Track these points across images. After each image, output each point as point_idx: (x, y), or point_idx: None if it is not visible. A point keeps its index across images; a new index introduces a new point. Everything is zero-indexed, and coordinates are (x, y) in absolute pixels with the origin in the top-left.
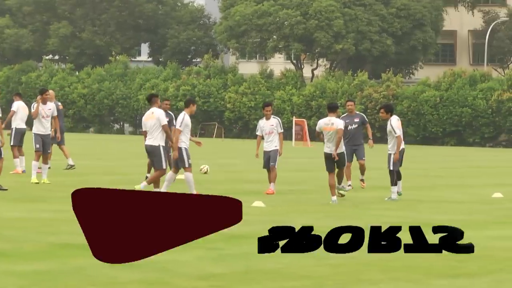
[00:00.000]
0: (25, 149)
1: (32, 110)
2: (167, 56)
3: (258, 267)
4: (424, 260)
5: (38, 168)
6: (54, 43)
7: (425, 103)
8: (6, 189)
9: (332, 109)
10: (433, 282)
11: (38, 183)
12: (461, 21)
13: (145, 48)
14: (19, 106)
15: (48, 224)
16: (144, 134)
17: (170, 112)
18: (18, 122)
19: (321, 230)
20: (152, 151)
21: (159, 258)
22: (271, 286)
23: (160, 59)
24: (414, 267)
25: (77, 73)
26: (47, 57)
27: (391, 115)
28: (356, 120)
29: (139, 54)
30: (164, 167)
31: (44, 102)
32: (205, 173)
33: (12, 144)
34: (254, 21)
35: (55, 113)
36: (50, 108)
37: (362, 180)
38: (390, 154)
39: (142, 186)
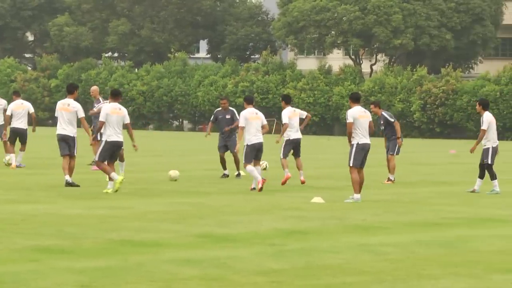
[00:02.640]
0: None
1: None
2: (226, 52)
3: (318, 262)
4: (484, 255)
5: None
6: (113, 40)
7: (485, 97)
8: (78, 186)
9: (357, 99)
10: (494, 277)
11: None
12: None
13: (203, 44)
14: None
15: (108, 220)
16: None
17: (231, 108)
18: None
19: (380, 225)
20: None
21: (218, 254)
22: (331, 281)
23: (218, 56)
24: (474, 262)
25: (136, 70)
26: (106, 55)
27: (484, 110)
28: (381, 122)
29: (198, 51)
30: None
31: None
32: (264, 169)
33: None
34: (312, 16)
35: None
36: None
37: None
38: (487, 148)
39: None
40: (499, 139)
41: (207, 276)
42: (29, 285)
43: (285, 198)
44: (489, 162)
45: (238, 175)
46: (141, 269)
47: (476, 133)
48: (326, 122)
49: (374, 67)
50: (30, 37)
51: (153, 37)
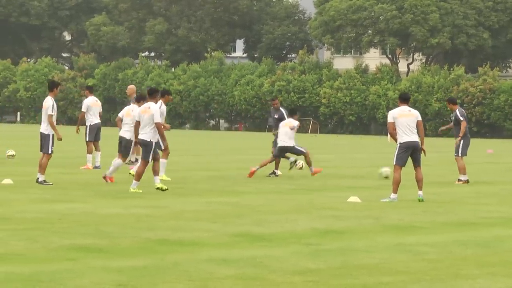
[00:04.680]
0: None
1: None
2: (262, 52)
3: (355, 262)
4: None
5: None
6: (150, 40)
7: None
8: (51, 184)
9: (406, 99)
10: None
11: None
12: None
13: (240, 44)
14: (90, 101)
15: (145, 220)
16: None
17: (282, 109)
18: (92, 117)
19: (417, 225)
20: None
21: (255, 253)
22: (368, 281)
23: (255, 55)
24: (511, 262)
25: (173, 69)
26: (143, 54)
27: None
28: (452, 117)
29: (234, 50)
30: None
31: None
32: (300, 168)
33: (87, 139)
34: (349, 16)
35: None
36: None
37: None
38: None
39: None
40: None
41: (243, 275)
42: (66, 284)
43: (321, 197)
44: None
45: (273, 173)
46: (178, 268)
47: None
48: (363, 121)
49: (411, 66)
50: (67, 36)
51: (190, 36)
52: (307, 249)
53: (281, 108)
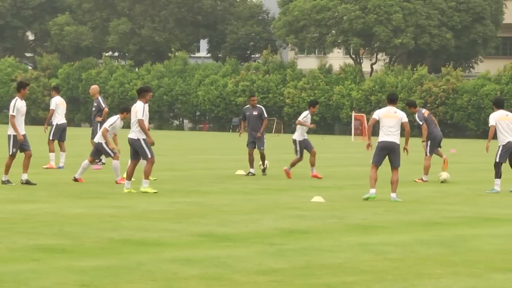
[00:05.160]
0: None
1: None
2: (226, 52)
3: (318, 262)
4: (484, 254)
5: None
6: (114, 40)
7: (485, 97)
8: (35, 184)
9: (393, 100)
10: (495, 277)
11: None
12: None
13: (204, 44)
14: (58, 101)
15: (109, 220)
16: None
17: (259, 106)
18: (59, 117)
19: (381, 225)
20: (133, 144)
21: (219, 253)
22: (332, 281)
23: (219, 55)
24: (474, 261)
25: (136, 69)
26: (106, 54)
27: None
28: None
29: (198, 50)
30: (149, 156)
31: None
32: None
33: (51, 138)
34: (312, 16)
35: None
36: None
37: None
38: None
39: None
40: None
41: (207, 275)
42: (30, 284)
43: (285, 197)
44: (496, 160)
45: (264, 171)
46: (142, 268)
47: (476, 132)
48: (327, 121)
49: (374, 66)
50: (30, 36)
51: (154, 36)
52: (271, 249)
53: (258, 105)
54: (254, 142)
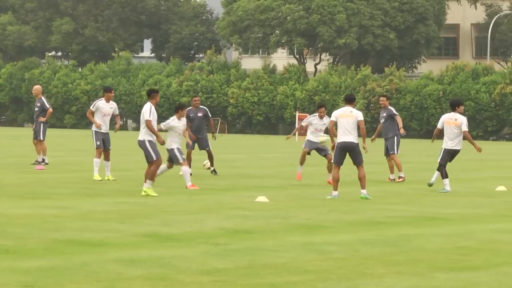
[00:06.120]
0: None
1: (91, 108)
2: (170, 51)
3: (263, 261)
4: (427, 253)
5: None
6: (57, 39)
7: (428, 97)
8: None
9: (350, 100)
10: (438, 276)
11: (101, 180)
12: (463, 15)
13: (147, 44)
14: None
15: (52, 220)
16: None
17: (203, 106)
18: None
19: (324, 224)
20: (140, 145)
21: (163, 253)
22: (275, 280)
23: (163, 55)
24: (417, 260)
25: (80, 69)
26: (50, 54)
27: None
28: (384, 114)
29: (142, 50)
30: (154, 158)
31: (107, 100)
32: (208, 168)
33: None
34: (256, 16)
35: (117, 112)
36: (111, 106)
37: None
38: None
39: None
40: (442, 138)
41: (151, 275)
42: None
43: (229, 197)
44: (439, 161)
45: (214, 171)
46: (86, 269)
47: (419, 132)
48: (271, 121)
49: (318, 67)
50: None
51: (97, 36)
52: (215, 249)
53: (201, 106)
54: (194, 143)
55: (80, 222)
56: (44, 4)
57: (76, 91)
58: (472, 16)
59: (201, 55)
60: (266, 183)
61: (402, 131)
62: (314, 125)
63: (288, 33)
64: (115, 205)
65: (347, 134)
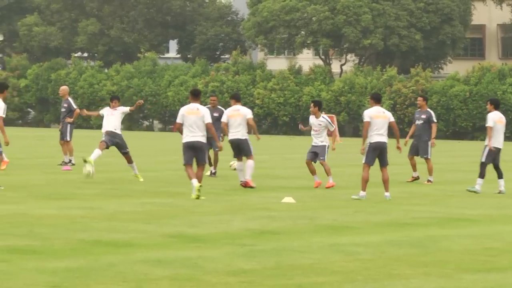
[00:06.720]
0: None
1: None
2: (196, 52)
3: (289, 262)
4: (454, 255)
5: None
6: (83, 40)
7: (454, 97)
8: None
9: (379, 100)
10: (465, 277)
11: (88, 163)
12: (489, 15)
13: (173, 44)
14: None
15: (79, 221)
16: (178, 126)
17: (220, 107)
18: None
19: (351, 225)
20: (200, 147)
21: (189, 254)
22: (302, 281)
23: (188, 56)
24: (445, 262)
25: (106, 70)
26: (75, 55)
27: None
28: (423, 116)
29: (168, 51)
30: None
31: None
32: (235, 169)
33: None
34: (282, 16)
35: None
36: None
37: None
38: (485, 146)
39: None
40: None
41: (178, 276)
42: None
43: (255, 198)
44: (482, 160)
45: (213, 173)
46: (112, 269)
47: (445, 133)
48: (297, 122)
49: (343, 67)
50: None
51: (123, 37)
52: (242, 250)
53: (219, 107)
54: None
55: (107, 222)
56: (70, 5)
57: (102, 91)
58: (498, 16)
59: (226, 56)
60: (291, 183)
61: (433, 142)
62: (312, 125)
63: (314, 33)
64: (142, 205)
65: (381, 135)
